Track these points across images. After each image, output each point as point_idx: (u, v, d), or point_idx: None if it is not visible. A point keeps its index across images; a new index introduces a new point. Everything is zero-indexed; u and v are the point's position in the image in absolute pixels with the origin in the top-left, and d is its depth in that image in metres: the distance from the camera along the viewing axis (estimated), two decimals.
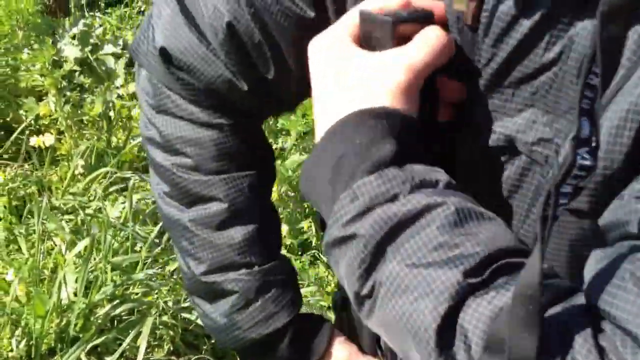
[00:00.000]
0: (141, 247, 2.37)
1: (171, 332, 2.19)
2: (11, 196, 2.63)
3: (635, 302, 0.55)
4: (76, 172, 2.79)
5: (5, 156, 2.92)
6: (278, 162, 2.69)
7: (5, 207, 2.58)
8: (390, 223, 0.62)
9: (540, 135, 0.68)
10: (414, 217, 0.62)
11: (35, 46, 3.26)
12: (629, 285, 0.55)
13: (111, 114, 3.13)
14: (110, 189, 2.77)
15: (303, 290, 2.37)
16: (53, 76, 2.97)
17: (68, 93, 3.21)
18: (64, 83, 3.24)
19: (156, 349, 2.18)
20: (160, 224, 2.52)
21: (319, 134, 0.70)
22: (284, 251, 2.52)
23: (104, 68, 3.61)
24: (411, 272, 0.60)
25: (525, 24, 0.64)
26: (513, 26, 0.65)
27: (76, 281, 2.17)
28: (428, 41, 0.68)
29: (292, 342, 0.94)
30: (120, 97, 3.35)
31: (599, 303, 0.57)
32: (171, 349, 2.18)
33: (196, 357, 2.17)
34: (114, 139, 3.01)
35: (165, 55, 0.86)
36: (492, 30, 0.66)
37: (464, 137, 0.74)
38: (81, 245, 2.20)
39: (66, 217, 2.62)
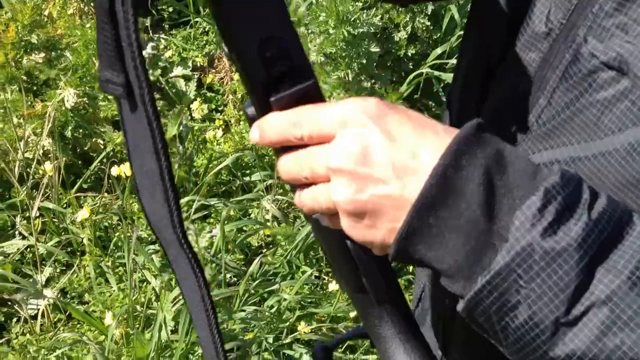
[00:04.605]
0: (236, 280, 2.29)
1: None
2: (94, 228, 2.57)
3: None
4: None
5: (85, 186, 2.87)
6: None
7: (90, 240, 2.52)
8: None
9: None
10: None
11: None
12: None
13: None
14: (193, 217, 2.69)
15: None
16: None
17: None
18: None
19: None
20: (248, 253, 2.43)
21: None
22: None
23: (174, 90, 3.57)
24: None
25: None
26: None
27: (173, 319, 2.10)
28: None
29: None
30: (192, 119, 3.29)
31: None
32: None
33: None
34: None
35: None
36: None
37: None
38: None
39: (150, 247, 2.55)
